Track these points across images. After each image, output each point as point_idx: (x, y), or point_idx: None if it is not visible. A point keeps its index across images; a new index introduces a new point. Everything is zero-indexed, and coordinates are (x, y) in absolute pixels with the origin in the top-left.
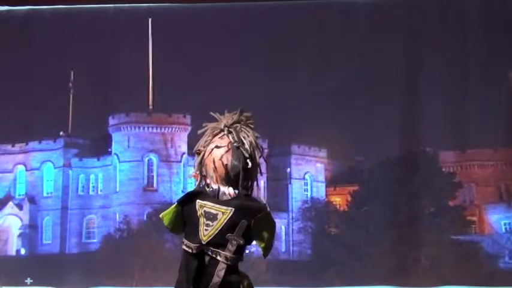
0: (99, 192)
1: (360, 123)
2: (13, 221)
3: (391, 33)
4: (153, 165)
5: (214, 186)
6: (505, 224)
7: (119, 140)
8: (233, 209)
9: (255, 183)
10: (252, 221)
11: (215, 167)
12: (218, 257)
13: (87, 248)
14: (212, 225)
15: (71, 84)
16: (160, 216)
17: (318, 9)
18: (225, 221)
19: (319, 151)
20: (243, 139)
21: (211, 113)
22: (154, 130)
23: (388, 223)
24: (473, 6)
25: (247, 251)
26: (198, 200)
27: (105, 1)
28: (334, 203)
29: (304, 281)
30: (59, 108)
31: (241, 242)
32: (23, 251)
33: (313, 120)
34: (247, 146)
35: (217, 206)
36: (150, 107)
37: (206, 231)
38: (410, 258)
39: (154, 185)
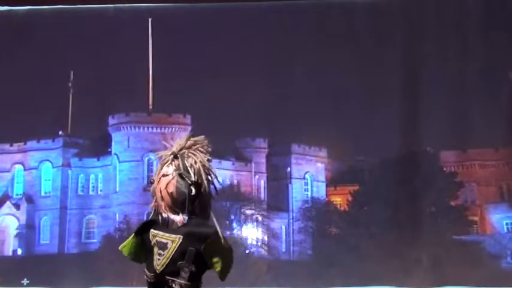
0: (99, 192)
1: (360, 123)
2: (10, 221)
3: (391, 33)
4: (153, 165)
5: (164, 215)
6: (507, 224)
7: (119, 140)
8: (181, 237)
9: (209, 208)
10: (202, 246)
11: (162, 196)
12: (174, 286)
13: (86, 248)
14: (163, 254)
15: (70, 84)
16: (119, 248)
17: (318, 9)
18: (175, 250)
19: (320, 151)
20: (187, 165)
21: (163, 142)
22: (154, 130)
23: (389, 223)
24: (473, 6)
25: (248, 252)
26: (151, 230)
27: (105, 1)
28: (334, 202)
29: (305, 281)
30: (58, 108)
31: (193, 269)
32: (19, 252)
33: (313, 120)
34: (191, 172)
35: (167, 234)
36: (150, 107)
37: (159, 261)
38: (411, 258)
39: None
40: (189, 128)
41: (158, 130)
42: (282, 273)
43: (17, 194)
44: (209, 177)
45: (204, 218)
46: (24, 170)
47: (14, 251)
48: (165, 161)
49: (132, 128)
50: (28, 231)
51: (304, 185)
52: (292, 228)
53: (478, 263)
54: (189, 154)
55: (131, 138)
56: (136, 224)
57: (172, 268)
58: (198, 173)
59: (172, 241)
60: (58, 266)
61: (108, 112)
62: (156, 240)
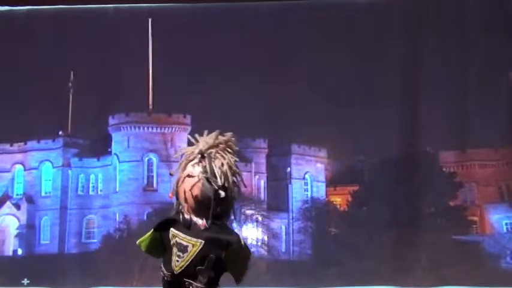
0: (99, 192)
1: (360, 123)
2: (11, 221)
3: (391, 33)
4: (153, 165)
5: (187, 216)
6: (506, 224)
7: (119, 140)
8: (203, 242)
9: (232, 211)
10: (223, 253)
11: (185, 197)
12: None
13: (87, 248)
14: (183, 257)
15: (70, 84)
16: (137, 243)
17: (318, 9)
18: (195, 254)
19: (319, 151)
20: (214, 168)
21: (189, 137)
22: (154, 130)
23: (389, 223)
24: (473, 6)
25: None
26: (171, 229)
27: (105, 1)
28: (334, 202)
29: (304, 281)
30: (58, 108)
31: (212, 275)
32: (20, 252)
33: (313, 120)
34: (218, 176)
35: (188, 237)
36: (150, 107)
37: (178, 262)
38: (410, 258)
39: (154, 185)
40: (189, 128)
41: (158, 130)
42: (281, 273)
43: (17, 194)
44: (235, 181)
45: (226, 221)
46: (25, 170)
47: (15, 251)
48: (191, 159)
49: (132, 128)
50: (28, 231)
51: (304, 185)
52: (292, 228)
53: (477, 263)
54: (217, 155)
55: (131, 138)
56: (137, 224)
57: (190, 271)
58: (225, 177)
59: (193, 245)
60: (58, 265)
61: (108, 112)
62: (176, 241)
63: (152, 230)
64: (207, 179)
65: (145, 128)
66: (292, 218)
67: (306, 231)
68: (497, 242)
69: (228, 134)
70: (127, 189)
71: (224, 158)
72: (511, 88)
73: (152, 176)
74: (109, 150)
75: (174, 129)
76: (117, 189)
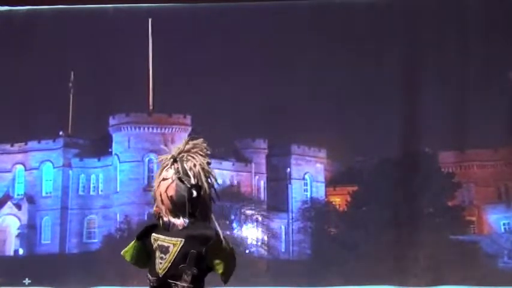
0: (99, 193)
1: (359, 123)
2: (11, 221)
3: (390, 33)
4: (154, 165)
5: (165, 219)
6: (504, 224)
7: (119, 141)
8: (183, 240)
9: (210, 212)
10: (204, 249)
11: (162, 199)
12: None
13: (87, 248)
14: (165, 258)
15: (71, 84)
16: (122, 253)
17: (318, 9)
18: (176, 253)
19: (319, 151)
20: (186, 168)
21: (164, 147)
22: (155, 130)
23: (388, 223)
24: (473, 6)
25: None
26: (153, 234)
27: (105, 1)
28: (333, 203)
29: (304, 280)
30: (59, 108)
31: (195, 271)
32: (21, 251)
33: (313, 120)
34: (191, 175)
35: (168, 238)
36: (151, 107)
37: (161, 264)
38: (409, 258)
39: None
40: (190, 129)
41: (158, 130)
42: (281, 273)
43: (18, 194)
44: (209, 180)
45: (204, 221)
46: (25, 170)
47: (16, 251)
48: (165, 164)
49: (133, 129)
50: (29, 231)
51: (304, 185)
52: (292, 228)
53: (475, 263)
54: (188, 157)
55: (132, 138)
56: (137, 224)
57: (174, 271)
58: (197, 176)
59: (174, 244)
60: (59, 265)
61: (108, 112)
62: (158, 244)
63: (135, 239)
64: (180, 179)
65: (146, 129)
66: (292, 218)
67: (306, 231)
68: (494, 242)
69: (199, 139)
70: (128, 190)
71: (195, 160)
72: (511, 88)
73: (153, 177)
74: (109, 150)
75: (174, 129)
76: (118, 190)
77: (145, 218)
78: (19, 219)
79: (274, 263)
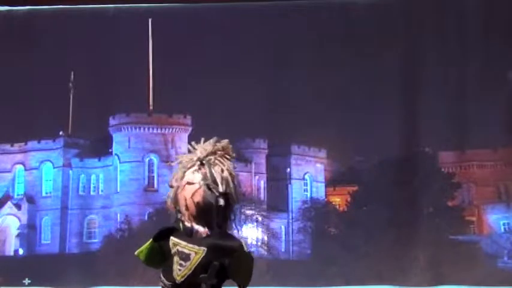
0: (100, 193)
1: (359, 123)
2: (11, 221)
3: (391, 33)
4: (154, 165)
5: (188, 224)
6: (503, 224)
7: (120, 141)
8: (206, 249)
9: (233, 218)
10: (227, 260)
11: (187, 205)
12: None
13: (88, 248)
14: (185, 266)
15: (71, 84)
16: (136, 253)
17: (318, 9)
18: (197, 262)
19: (319, 151)
20: (215, 175)
21: (188, 146)
22: (155, 131)
23: (387, 223)
24: (473, 6)
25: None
26: (172, 238)
27: (105, 1)
28: (333, 203)
29: (304, 280)
30: (59, 108)
31: (214, 282)
32: (21, 251)
33: (313, 120)
34: (219, 182)
35: (190, 245)
36: (151, 108)
37: (180, 271)
38: (409, 258)
39: (155, 185)
40: (190, 129)
41: (159, 131)
42: (281, 273)
43: (18, 194)
44: (236, 187)
45: (228, 229)
46: (25, 170)
47: (16, 251)
48: (189, 166)
49: (133, 129)
50: (29, 231)
51: (304, 185)
52: (292, 228)
53: (474, 263)
54: (216, 162)
55: (132, 138)
56: (137, 224)
57: (192, 280)
58: (226, 183)
59: (196, 253)
60: (59, 265)
61: (108, 112)
62: (178, 250)
63: (151, 240)
64: (208, 186)
65: (146, 129)
66: (292, 218)
67: (306, 231)
68: (494, 242)
69: (225, 141)
70: (128, 190)
71: (224, 164)
72: (511, 89)
73: (153, 177)
74: (110, 150)
75: (174, 129)
76: (118, 190)
77: (146, 218)
78: (19, 219)
79: (274, 263)
